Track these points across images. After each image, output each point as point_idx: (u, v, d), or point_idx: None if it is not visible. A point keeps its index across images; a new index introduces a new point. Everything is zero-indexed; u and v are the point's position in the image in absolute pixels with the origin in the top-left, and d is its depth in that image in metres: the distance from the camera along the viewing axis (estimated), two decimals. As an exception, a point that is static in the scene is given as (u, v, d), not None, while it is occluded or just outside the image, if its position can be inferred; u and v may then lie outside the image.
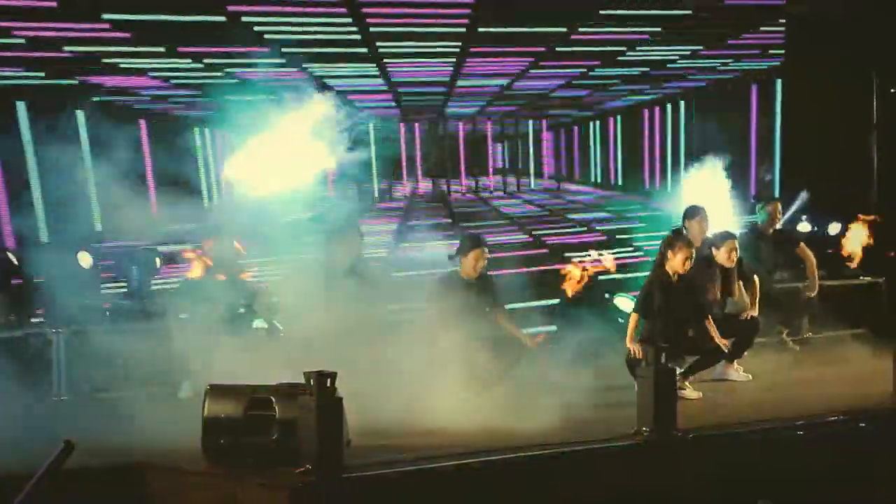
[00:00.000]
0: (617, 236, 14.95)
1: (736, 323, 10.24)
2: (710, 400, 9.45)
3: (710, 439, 7.99)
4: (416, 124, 14.52)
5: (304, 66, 12.10)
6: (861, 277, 13.67)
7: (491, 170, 15.45)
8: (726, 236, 10.43)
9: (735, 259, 10.32)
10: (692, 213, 10.84)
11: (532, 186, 15.45)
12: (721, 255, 10.31)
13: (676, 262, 9.66)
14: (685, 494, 7.69)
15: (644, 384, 7.97)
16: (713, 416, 8.73)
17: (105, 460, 7.31)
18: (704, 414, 8.79)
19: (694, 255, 9.77)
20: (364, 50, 12.17)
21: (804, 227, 14.04)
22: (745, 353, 10.50)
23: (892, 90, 14.28)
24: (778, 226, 11.96)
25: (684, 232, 10.29)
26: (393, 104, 14.18)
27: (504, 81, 13.48)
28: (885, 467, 8.39)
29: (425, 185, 15.65)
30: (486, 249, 9.82)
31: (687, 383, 9.57)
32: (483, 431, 8.39)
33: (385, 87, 13.18)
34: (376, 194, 15.16)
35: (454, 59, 12.51)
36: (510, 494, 7.12)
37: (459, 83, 13.13)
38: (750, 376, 10.29)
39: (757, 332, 10.40)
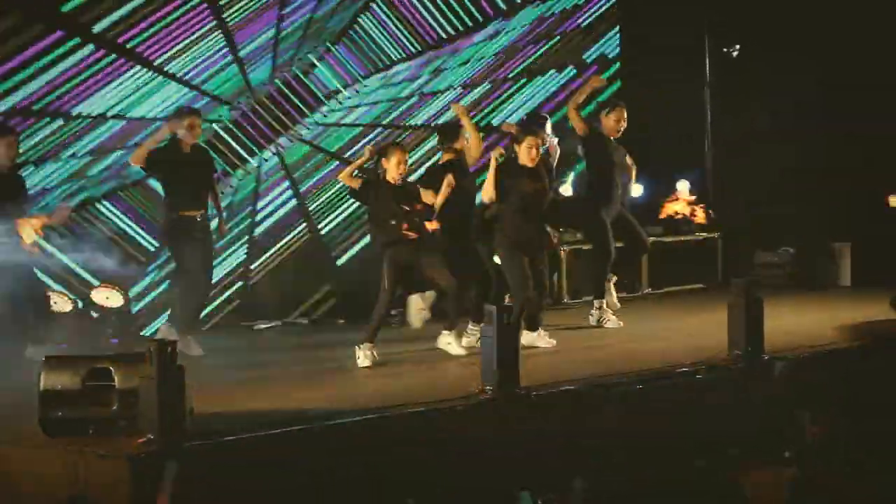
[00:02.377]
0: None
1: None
2: (552, 358, 9.58)
3: (553, 396, 8.09)
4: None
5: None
6: (697, 234, 14.01)
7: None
8: (529, 130, 9.78)
9: (535, 157, 9.60)
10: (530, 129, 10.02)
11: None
12: (522, 152, 9.65)
13: (391, 167, 9.47)
14: (528, 452, 7.80)
15: (487, 343, 8.03)
16: (555, 373, 8.85)
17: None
18: (546, 372, 8.91)
19: (406, 159, 9.50)
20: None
21: (636, 189, 14.14)
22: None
23: (725, 49, 14.58)
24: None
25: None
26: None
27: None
28: (720, 417, 8.64)
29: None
30: None
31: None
32: (327, 394, 8.41)
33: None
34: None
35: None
36: (355, 457, 7.12)
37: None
38: (554, 342, 9.95)
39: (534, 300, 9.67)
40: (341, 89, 13.75)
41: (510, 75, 14.48)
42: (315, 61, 13.46)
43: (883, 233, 12.60)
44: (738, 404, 8.75)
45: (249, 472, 6.76)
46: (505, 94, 14.41)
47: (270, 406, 8.00)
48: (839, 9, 13.64)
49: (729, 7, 14.24)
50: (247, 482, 6.73)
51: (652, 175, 13.47)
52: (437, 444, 7.46)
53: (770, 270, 13.68)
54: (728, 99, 14.52)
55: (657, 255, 13.09)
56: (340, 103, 13.78)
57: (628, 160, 10.97)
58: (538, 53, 14.61)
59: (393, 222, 9.41)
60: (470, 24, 14.31)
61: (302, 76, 13.53)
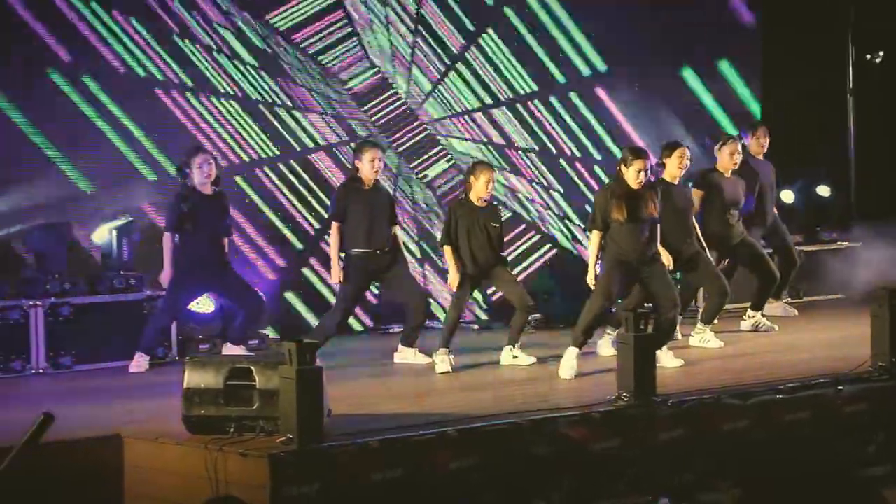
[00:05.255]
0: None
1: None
2: (689, 367, 9.46)
3: (689, 405, 8.00)
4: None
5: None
6: (839, 243, 13.73)
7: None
8: (637, 152, 9.26)
9: (642, 180, 9.15)
10: (671, 147, 10.07)
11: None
12: (630, 174, 9.19)
13: (480, 186, 9.58)
14: (664, 460, 7.73)
15: (624, 350, 7.97)
16: (692, 382, 8.75)
17: (84, 432, 7.31)
18: (683, 380, 8.82)
19: (494, 178, 9.63)
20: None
21: (787, 195, 13.97)
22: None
23: (868, 56, 14.28)
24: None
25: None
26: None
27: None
28: (863, 430, 8.45)
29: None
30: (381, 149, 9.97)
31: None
32: (459, 398, 8.44)
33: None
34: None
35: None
36: (490, 461, 7.13)
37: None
38: (682, 362, 9.52)
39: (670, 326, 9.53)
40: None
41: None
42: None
43: None
44: (882, 418, 8.55)
45: (385, 473, 6.82)
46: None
47: (409, 409, 8.07)
48: None
49: (873, 12, 13.93)
50: (383, 484, 6.79)
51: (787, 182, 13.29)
52: (572, 451, 7.43)
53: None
54: (872, 107, 14.21)
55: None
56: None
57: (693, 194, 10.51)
58: None
59: (467, 249, 9.56)
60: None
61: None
